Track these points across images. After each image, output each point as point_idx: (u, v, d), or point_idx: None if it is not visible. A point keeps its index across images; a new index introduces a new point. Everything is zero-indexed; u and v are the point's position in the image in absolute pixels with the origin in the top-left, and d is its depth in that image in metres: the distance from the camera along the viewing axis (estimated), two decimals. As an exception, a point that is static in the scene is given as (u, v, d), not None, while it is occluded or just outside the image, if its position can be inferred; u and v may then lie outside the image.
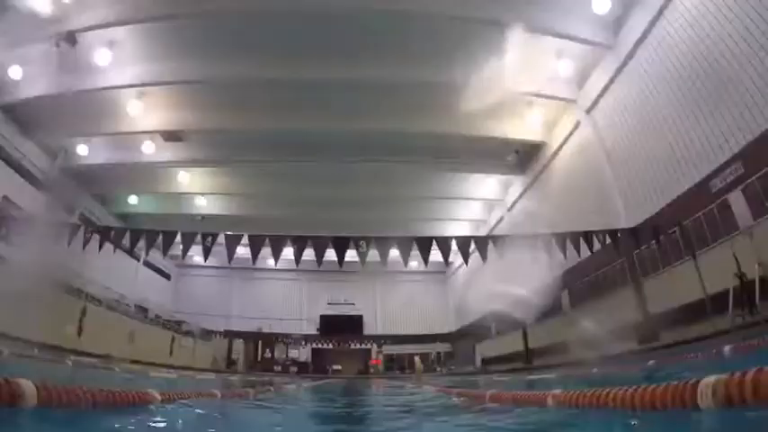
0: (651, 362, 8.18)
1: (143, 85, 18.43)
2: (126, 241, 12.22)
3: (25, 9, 14.48)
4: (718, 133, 12.00)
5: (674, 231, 12.75)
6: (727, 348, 7.34)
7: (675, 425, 2.21)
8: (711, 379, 2.06)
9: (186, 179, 25.79)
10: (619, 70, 16.11)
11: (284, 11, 15.53)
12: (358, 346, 38.96)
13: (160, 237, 11.57)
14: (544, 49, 16.87)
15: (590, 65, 17.40)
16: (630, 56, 15.45)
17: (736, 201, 11.48)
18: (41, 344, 11.10)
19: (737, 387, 1.92)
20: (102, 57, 16.80)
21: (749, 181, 11.17)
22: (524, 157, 23.33)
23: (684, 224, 12.64)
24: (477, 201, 29.58)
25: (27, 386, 2.43)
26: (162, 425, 3.16)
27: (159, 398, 3.71)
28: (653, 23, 14.15)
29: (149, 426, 3.04)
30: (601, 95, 17.35)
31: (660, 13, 13.78)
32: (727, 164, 11.77)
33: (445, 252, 11.65)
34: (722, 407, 1.97)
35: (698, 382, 2.11)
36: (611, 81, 16.62)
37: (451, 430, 3.78)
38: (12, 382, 2.39)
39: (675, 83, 13.45)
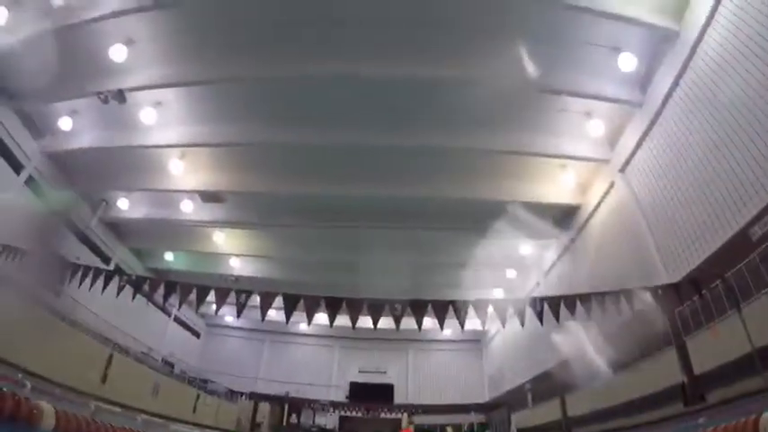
0: (702, 419, 7.52)
1: (186, 145, 19.11)
2: (159, 296, 12.33)
3: (82, 64, 15.46)
4: (753, 179, 11.58)
5: (717, 285, 11.97)
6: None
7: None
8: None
9: (221, 239, 26.19)
10: (649, 127, 15.96)
11: (323, 77, 15.76)
12: (388, 415, 37.19)
13: (194, 291, 11.57)
14: (575, 111, 17.14)
15: (621, 124, 17.42)
16: (659, 112, 15.34)
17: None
18: (64, 385, 11.04)
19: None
20: (148, 116, 17.67)
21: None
22: (560, 220, 22.91)
23: (726, 277, 11.85)
24: (512, 266, 28.82)
25: (47, 408, 2.45)
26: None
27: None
28: (679, 77, 14.16)
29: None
30: (633, 153, 17.13)
31: (684, 67, 13.85)
32: (765, 210, 11.24)
33: (482, 316, 11.20)
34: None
35: (759, 416, 1.94)
36: (643, 138, 16.44)
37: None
38: (32, 402, 2.42)
39: (707, 135, 13.20)
